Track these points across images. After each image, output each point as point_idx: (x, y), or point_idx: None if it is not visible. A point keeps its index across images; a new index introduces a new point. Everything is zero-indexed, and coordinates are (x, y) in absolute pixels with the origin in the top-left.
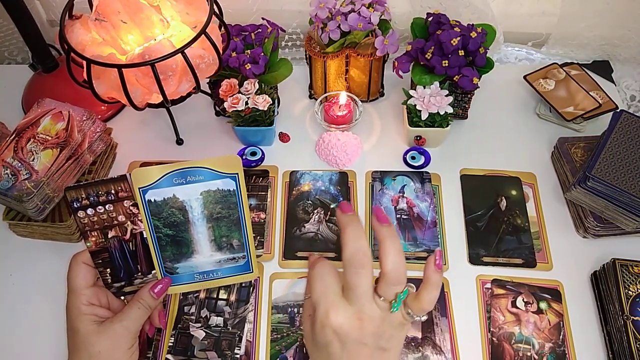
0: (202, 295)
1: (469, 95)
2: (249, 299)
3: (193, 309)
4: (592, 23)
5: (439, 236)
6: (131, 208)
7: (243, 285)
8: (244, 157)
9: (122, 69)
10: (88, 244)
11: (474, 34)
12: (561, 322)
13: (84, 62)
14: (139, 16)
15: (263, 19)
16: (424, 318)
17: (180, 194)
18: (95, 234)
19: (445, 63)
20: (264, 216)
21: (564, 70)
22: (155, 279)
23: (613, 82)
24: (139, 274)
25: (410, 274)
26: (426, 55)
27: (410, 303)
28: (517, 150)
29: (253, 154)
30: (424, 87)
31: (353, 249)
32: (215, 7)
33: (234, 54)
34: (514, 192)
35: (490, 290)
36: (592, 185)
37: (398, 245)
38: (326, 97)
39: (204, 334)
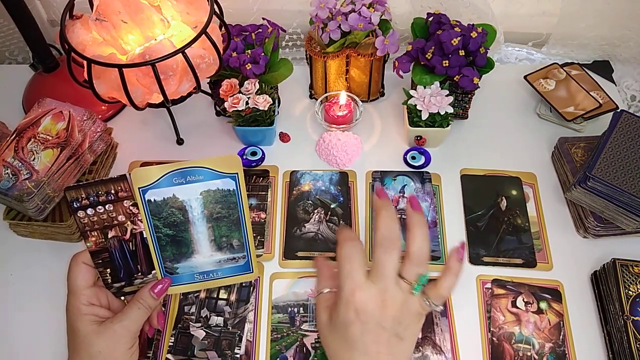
0: (202, 295)
1: (469, 95)
2: (249, 298)
3: (193, 309)
4: (592, 23)
5: (439, 236)
6: (131, 208)
7: (243, 285)
8: (244, 157)
9: (123, 69)
10: (88, 244)
11: (474, 34)
12: (561, 322)
13: (85, 62)
14: (139, 16)
15: (263, 19)
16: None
17: (180, 193)
18: (95, 234)
19: (445, 63)
20: (264, 216)
21: (565, 70)
22: (155, 279)
23: (613, 82)
24: (139, 274)
25: None
26: (426, 55)
27: (428, 291)
28: (517, 150)
29: (253, 153)
30: (425, 87)
31: (386, 230)
32: (215, 7)
33: (234, 54)
34: (514, 192)
35: (490, 290)
36: (593, 185)
37: (426, 232)
38: (326, 97)
39: (204, 333)
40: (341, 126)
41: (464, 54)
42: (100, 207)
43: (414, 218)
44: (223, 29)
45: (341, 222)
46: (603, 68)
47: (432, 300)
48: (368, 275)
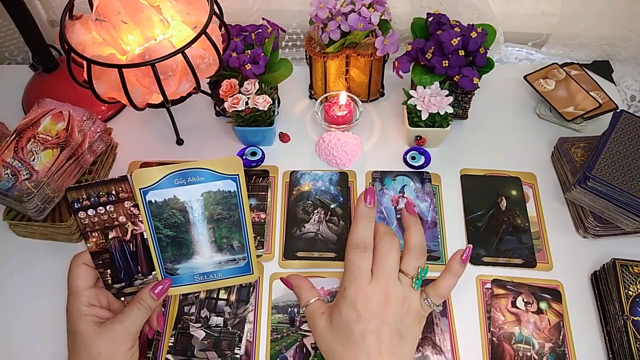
0: (202, 295)
1: (469, 95)
2: (249, 299)
3: (193, 309)
4: (592, 23)
5: (439, 236)
6: (132, 209)
7: (243, 285)
8: (244, 157)
9: (123, 69)
10: (89, 245)
11: (474, 34)
12: (561, 322)
13: (85, 62)
14: (139, 16)
15: (263, 19)
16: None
17: (181, 195)
18: (96, 234)
19: (445, 63)
20: (264, 216)
21: (564, 70)
22: (155, 280)
23: (613, 82)
24: (140, 274)
25: None
26: (426, 55)
27: (428, 290)
28: (517, 150)
29: (253, 154)
30: (424, 87)
31: (387, 228)
32: (215, 7)
33: (234, 54)
34: (514, 192)
35: (490, 290)
36: (592, 185)
37: (421, 231)
38: (326, 97)
39: (204, 334)
40: (341, 126)
41: (463, 54)
42: (101, 207)
43: (410, 220)
44: (223, 29)
45: (341, 222)
46: (603, 68)
47: (431, 299)
48: (371, 274)
